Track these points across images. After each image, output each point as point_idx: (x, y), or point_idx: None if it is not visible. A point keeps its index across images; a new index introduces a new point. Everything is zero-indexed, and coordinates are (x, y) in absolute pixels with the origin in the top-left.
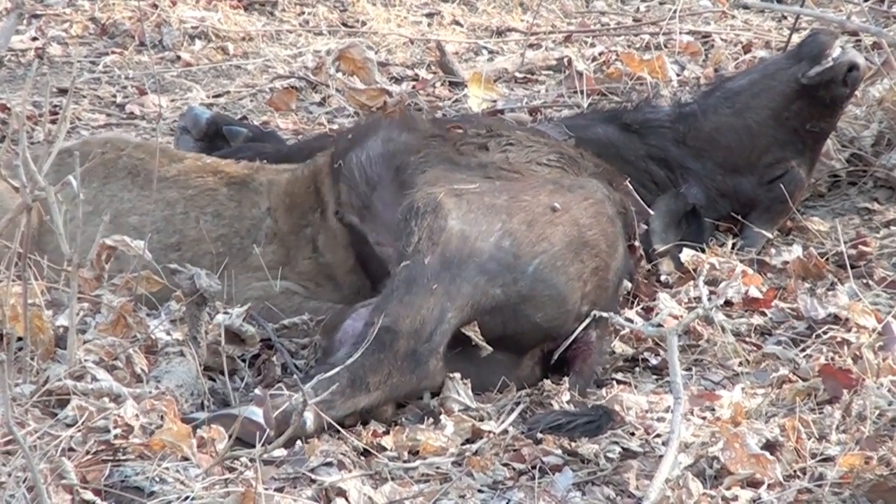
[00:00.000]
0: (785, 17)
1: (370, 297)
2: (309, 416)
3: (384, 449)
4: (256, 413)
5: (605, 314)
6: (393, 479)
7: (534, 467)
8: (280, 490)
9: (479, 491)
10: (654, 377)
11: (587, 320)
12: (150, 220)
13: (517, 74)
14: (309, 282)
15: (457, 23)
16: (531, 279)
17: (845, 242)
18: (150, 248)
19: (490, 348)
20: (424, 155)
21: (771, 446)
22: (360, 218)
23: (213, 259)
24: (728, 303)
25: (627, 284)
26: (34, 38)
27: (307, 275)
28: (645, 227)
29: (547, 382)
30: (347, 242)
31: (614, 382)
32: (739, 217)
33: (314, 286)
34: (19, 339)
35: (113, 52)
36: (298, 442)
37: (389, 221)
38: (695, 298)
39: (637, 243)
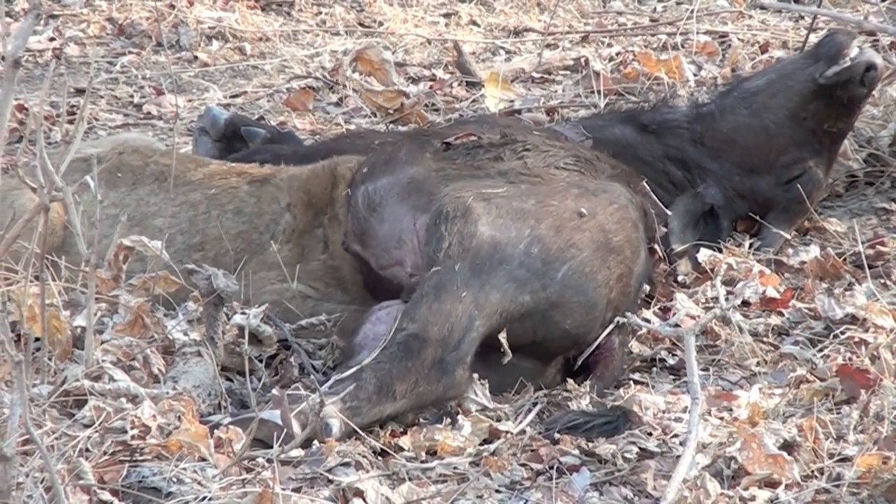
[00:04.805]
0: (802, 17)
1: (379, 301)
2: (335, 423)
3: (402, 449)
4: (274, 414)
5: (626, 320)
6: (410, 479)
7: (551, 467)
8: (297, 490)
9: (497, 491)
10: (672, 377)
11: (611, 326)
12: (175, 221)
13: (534, 74)
14: (318, 282)
15: (474, 23)
16: (560, 286)
17: (863, 242)
18: (175, 248)
19: (511, 354)
20: (443, 170)
21: (788, 446)
22: (362, 245)
23: (233, 257)
24: (745, 303)
25: (646, 288)
26: (51, 39)
27: (316, 275)
28: (664, 228)
29: (569, 382)
30: (355, 267)
31: (632, 383)
32: (757, 217)
33: (324, 287)
34: (37, 339)
35: (130, 53)
36: (316, 442)
37: (387, 235)
38: (712, 298)
39: (657, 246)
